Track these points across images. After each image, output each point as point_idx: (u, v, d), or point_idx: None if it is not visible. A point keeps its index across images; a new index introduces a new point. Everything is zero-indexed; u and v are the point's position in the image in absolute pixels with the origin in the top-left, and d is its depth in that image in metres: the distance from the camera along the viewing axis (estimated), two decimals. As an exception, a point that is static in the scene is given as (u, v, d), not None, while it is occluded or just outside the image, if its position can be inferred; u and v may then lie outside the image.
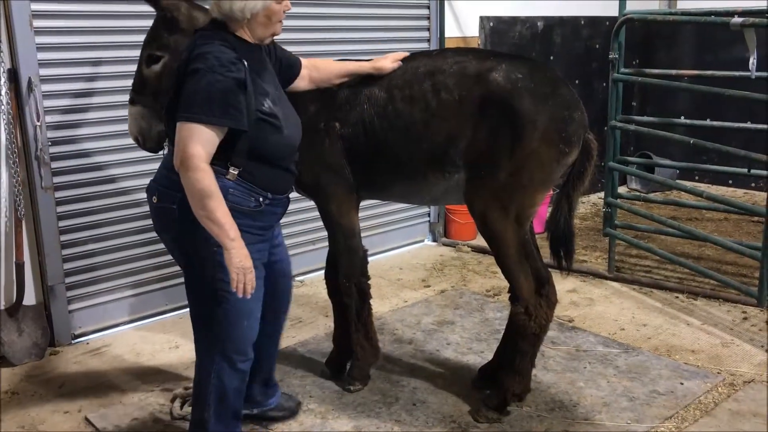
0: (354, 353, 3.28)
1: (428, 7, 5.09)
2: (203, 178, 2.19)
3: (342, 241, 3.09)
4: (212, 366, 2.50)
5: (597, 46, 6.52)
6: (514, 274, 2.91)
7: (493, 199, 2.80)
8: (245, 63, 2.31)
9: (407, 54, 2.94)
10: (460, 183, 2.90)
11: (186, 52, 2.34)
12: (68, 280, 3.78)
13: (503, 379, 3.02)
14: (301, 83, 2.83)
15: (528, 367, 3.03)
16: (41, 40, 3.51)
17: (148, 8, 3.78)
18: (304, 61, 2.84)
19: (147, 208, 3.89)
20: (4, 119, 3.47)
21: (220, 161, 2.30)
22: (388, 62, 2.90)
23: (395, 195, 3.23)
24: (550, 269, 3.12)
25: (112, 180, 3.87)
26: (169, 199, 2.37)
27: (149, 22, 3.80)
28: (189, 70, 2.25)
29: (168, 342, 3.82)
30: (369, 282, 3.23)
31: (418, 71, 2.87)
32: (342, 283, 3.15)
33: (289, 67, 2.78)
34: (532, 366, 3.06)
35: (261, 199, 2.43)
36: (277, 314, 2.86)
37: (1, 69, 3.40)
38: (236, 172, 2.35)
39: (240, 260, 2.24)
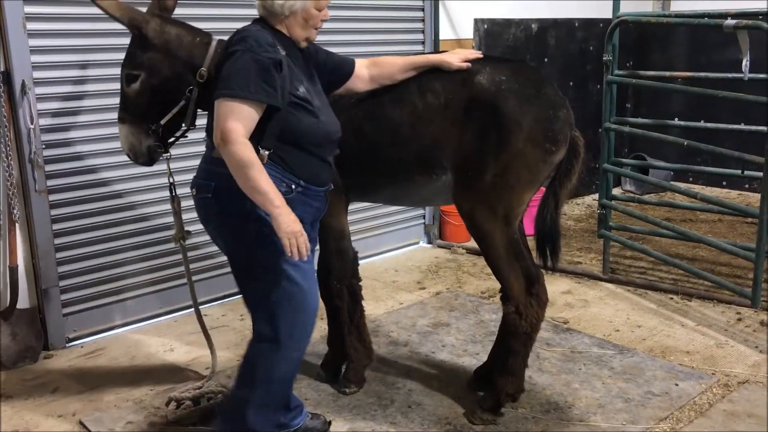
0: (348, 355, 3.28)
1: (422, 9, 5.10)
2: (243, 150, 2.22)
3: (332, 243, 3.10)
4: (263, 353, 2.53)
5: (591, 48, 6.54)
6: (503, 274, 2.92)
7: (481, 199, 2.82)
8: (281, 49, 2.38)
9: (480, 54, 2.89)
10: (448, 184, 2.93)
11: (227, 43, 2.42)
12: (62, 283, 3.77)
13: (496, 379, 3.03)
14: (359, 83, 2.82)
15: (521, 367, 3.03)
16: (35, 42, 3.50)
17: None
18: (361, 60, 2.84)
19: (141, 211, 3.98)
20: (-3, 122, 3.46)
21: (251, 142, 2.30)
22: (456, 60, 2.83)
23: (384, 197, 3.25)
24: (543, 270, 3.14)
25: (106, 183, 3.86)
26: (206, 189, 2.44)
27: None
28: (228, 53, 2.34)
29: (163, 345, 3.81)
30: (360, 284, 3.24)
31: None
32: (333, 286, 3.16)
33: (337, 69, 2.77)
34: (525, 366, 3.06)
35: (293, 186, 2.44)
36: None
37: (-5, 72, 3.40)
38: (266, 154, 2.36)
39: (288, 225, 2.25)
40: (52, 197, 3.67)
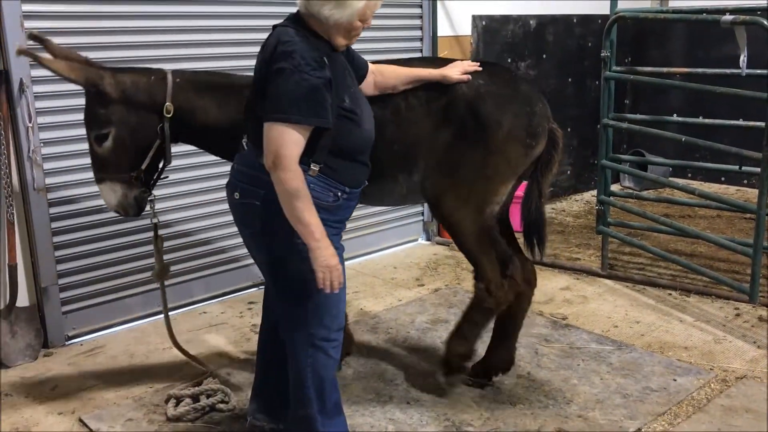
0: None
1: (420, 6, 5.10)
2: (294, 179, 2.25)
3: None
4: (307, 360, 2.51)
5: (589, 44, 6.54)
6: (475, 258, 3.05)
7: (452, 191, 2.95)
8: (326, 60, 2.34)
9: (477, 66, 2.94)
10: (422, 181, 3.02)
11: (268, 48, 2.34)
12: (62, 281, 3.78)
13: (448, 341, 3.21)
14: (367, 89, 2.80)
15: (475, 336, 3.17)
16: (33, 42, 3.49)
17: (140, 8, 3.82)
18: (370, 66, 2.84)
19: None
20: (-5, 121, 3.47)
21: (302, 158, 2.32)
22: (456, 73, 2.89)
23: (367, 197, 3.23)
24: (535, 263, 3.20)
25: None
26: (253, 195, 2.41)
27: (142, 23, 3.85)
28: (274, 69, 2.27)
29: (162, 343, 3.81)
30: None
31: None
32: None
33: (358, 69, 2.75)
34: (479, 337, 3.19)
35: (339, 193, 2.46)
36: None
37: (-7, 70, 3.40)
38: (317, 168, 2.38)
39: (325, 259, 2.30)
40: (50, 195, 3.67)
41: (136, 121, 2.77)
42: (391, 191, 3.11)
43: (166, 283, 4.09)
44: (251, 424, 2.85)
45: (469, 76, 2.90)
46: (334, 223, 2.48)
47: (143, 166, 2.81)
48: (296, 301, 2.48)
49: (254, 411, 2.86)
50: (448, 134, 2.90)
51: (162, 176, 2.98)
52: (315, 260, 2.30)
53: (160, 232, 3.12)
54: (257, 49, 2.45)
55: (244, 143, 2.53)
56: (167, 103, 2.76)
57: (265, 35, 2.46)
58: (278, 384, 2.74)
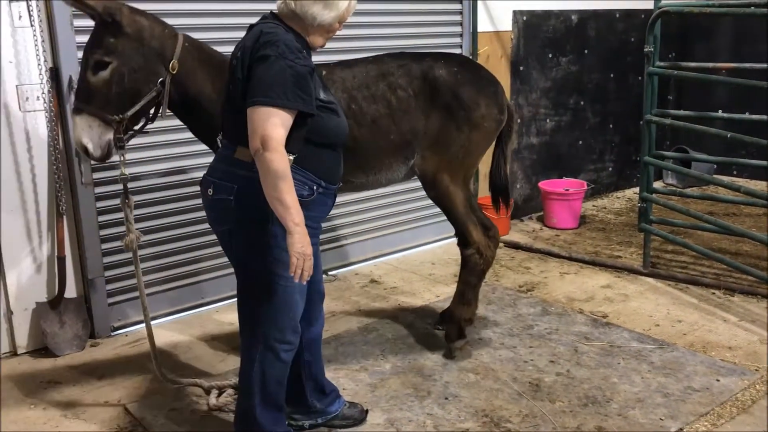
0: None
1: (461, 1, 5.08)
2: (281, 160, 2.23)
3: None
4: (256, 355, 2.54)
5: (632, 39, 6.44)
6: (465, 225, 3.44)
7: (446, 167, 3.33)
8: (306, 53, 2.39)
9: None
10: (419, 163, 3.35)
11: (249, 40, 2.36)
12: (108, 273, 3.87)
13: (453, 310, 3.58)
14: None
15: (475, 298, 3.57)
16: (82, 39, 3.57)
17: (193, 6, 3.88)
18: None
19: (186, 203, 4.06)
20: (46, 117, 3.56)
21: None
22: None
23: (358, 186, 3.48)
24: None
25: (150, 176, 3.95)
26: (226, 191, 2.41)
27: (192, 20, 3.91)
28: (258, 56, 2.29)
29: (204, 334, 3.88)
30: None
31: (369, 75, 3.24)
32: None
33: None
34: (477, 297, 3.60)
35: (315, 187, 2.47)
36: (318, 317, 2.87)
37: (44, 68, 3.49)
38: (292, 158, 2.36)
39: (302, 245, 2.28)
40: (97, 190, 3.76)
41: (141, 64, 2.75)
42: (390, 178, 3.43)
43: (212, 275, 4.22)
44: (291, 426, 2.89)
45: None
46: (311, 221, 2.45)
47: (130, 113, 2.76)
48: (257, 298, 2.49)
49: (290, 414, 2.90)
50: (437, 118, 3.28)
51: (141, 131, 2.96)
52: (291, 245, 2.26)
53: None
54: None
55: (219, 140, 2.54)
56: (174, 60, 2.79)
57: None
58: (301, 384, 2.84)
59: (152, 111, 2.89)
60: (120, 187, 2.99)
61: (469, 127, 3.31)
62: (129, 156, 3.78)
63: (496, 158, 3.63)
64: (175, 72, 2.80)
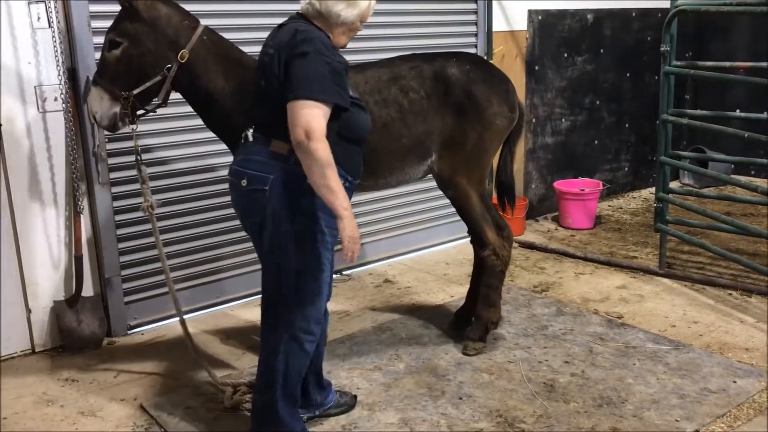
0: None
1: (476, 2, 5.07)
2: (325, 149, 2.32)
3: None
4: (281, 346, 2.60)
5: (648, 38, 6.40)
6: (480, 225, 3.45)
7: (462, 166, 3.35)
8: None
9: None
10: (436, 163, 3.37)
11: (284, 36, 2.46)
12: (124, 272, 3.90)
13: (480, 312, 3.58)
14: None
15: (498, 299, 3.60)
16: (99, 40, 3.60)
17: (209, 6, 3.90)
18: None
19: (199, 203, 4.07)
20: (64, 117, 3.60)
21: None
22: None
23: (366, 188, 3.48)
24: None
25: (166, 176, 3.97)
26: (261, 181, 2.47)
27: (209, 21, 3.93)
28: (297, 53, 2.38)
29: (219, 333, 3.91)
30: None
31: (380, 79, 3.23)
32: None
33: None
34: (501, 298, 3.64)
35: (342, 181, 2.50)
36: (326, 314, 2.90)
37: (62, 69, 3.53)
38: None
39: (352, 230, 2.38)
40: (114, 189, 3.80)
41: (150, 49, 2.88)
42: (401, 180, 3.45)
43: (227, 274, 4.24)
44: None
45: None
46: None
47: (135, 92, 2.91)
48: (287, 289, 2.55)
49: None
50: (450, 118, 3.30)
51: (150, 112, 3.11)
52: (343, 229, 2.36)
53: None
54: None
55: (250, 134, 2.58)
56: (184, 50, 2.89)
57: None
58: (305, 379, 2.85)
59: (163, 94, 3.00)
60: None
61: (482, 126, 3.32)
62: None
63: (503, 156, 3.65)
64: (184, 61, 2.90)
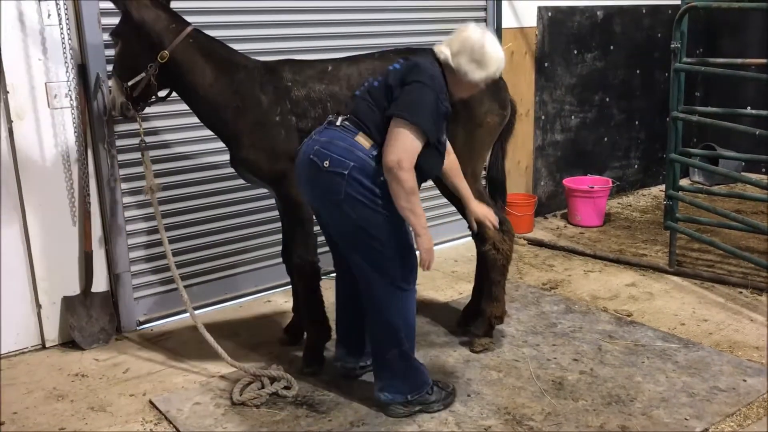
0: (307, 334, 3.49)
1: (485, -1, 5.07)
2: (412, 179, 2.64)
3: (300, 224, 3.29)
4: (396, 305, 2.86)
5: (658, 35, 6.37)
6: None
7: (462, 168, 3.27)
8: None
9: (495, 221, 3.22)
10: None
11: (412, 62, 2.76)
12: (134, 268, 3.92)
13: (485, 308, 3.58)
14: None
15: (502, 294, 3.59)
16: (108, 37, 3.62)
17: (214, 3, 3.90)
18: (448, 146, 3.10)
19: (207, 200, 4.08)
20: (73, 114, 3.61)
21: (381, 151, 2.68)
22: (480, 213, 3.16)
23: None
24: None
25: (176, 172, 3.99)
26: (342, 166, 2.69)
27: (217, 18, 3.95)
28: (420, 80, 2.66)
29: (228, 329, 3.91)
30: (319, 264, 3.43)
31: (374, 71, 3.23)
32: (296, 264, 3.35)
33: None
34: (504, 293, 3.61)
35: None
36: None
37: (71, 65, 3.54)
38: None
39: (430, 244, 2.79)
40: (124, 186, 3.81)
41: (135, 49, 3.17)
42: None
43: (236, 270, 4.25)
44: (342, 367, 3.28)
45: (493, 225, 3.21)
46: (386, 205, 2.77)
47: (129, 84, 3.22)
48: (382, 257, 2.79)
49: (343, 356, 3.26)
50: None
51: (150, 103, 3.37)
52: (421, 244, 2.76)
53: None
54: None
55: (339, 120, 2.80)
56: (165, 51, 3.14)
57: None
58: (358, 332, 3.18)
59: (148, 88, 3.25)
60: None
61: (473, 126, 3.34)
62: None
63: (495, 153, 3.67)
64: (164, 61, 3.15)
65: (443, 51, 2.78)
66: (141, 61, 3.17)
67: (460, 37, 2.78)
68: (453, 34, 2.83)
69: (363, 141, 2.72)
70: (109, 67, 3.64)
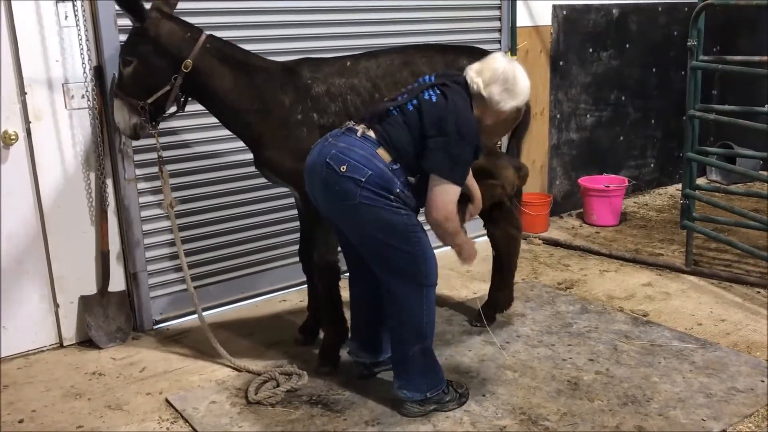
0: (325, 333, 3.48)
1: (500, -3, 5.05)
2: (456, 225, 2.80)
3: (321, 223, 3.27)
4: (419, 301, 2.89)
5: (675, 33, 6.32)
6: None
7: None
8: None
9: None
10: None
11: (454, 104, 2.73)
12: (150, 268, 3.95)
13: (492, 293, 3.81)
14: None
15: (510, 278, 3.82)
16: (125, 37, 3.63)
17: (226, 4, 3.92)
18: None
19: (222, 200, 4.10)
20: (90, 114, 3.64)
21: (413, 171, 2.78)
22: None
23: None
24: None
25: (192, 172, 4.00)
26: (360, 172, 2.70)
27: (229, 18, 3.96)
28: (464, 132, 2.70)
29: (243, 328, 3.93)
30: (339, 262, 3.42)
31: (393, 64, 3.33)
32: (317, 264, 3.34)
33: None
34: (513, 277, 3.83)
35: (407, 208, 2.83)
36: None
37: (88, 66, 3.57)
38: (413, 180, 2.79)
39: (470, 254, 2.97)
40: (140, 186, 3.84)
41: (157, 65, 3.14)
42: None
43: (251, 270, 4.27)
44: (356, 362, 3.30)
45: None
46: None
47: (149, 101, 3.17)
48: (402, 257, 2.82)
49: (357, 349, 3.28)
50: None
51: (167, 116, 3.36)
52: (460, 254, 2.94)
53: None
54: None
55: (361, 129, 2.79)
56: (188, 60, 3.12)
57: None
58: (374, 327, 3.22)
59: (173, 101, 3.25)
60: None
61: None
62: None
63: (510, 150, 3.72)
64: (188, 70, 3.13)
65: (476, 81, 2.78)
66: (162, 74, 3.15)
67: (491, 67, 2.79)
68: (481, 62, 2.83)
69: (384, 154, 2.74)
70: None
